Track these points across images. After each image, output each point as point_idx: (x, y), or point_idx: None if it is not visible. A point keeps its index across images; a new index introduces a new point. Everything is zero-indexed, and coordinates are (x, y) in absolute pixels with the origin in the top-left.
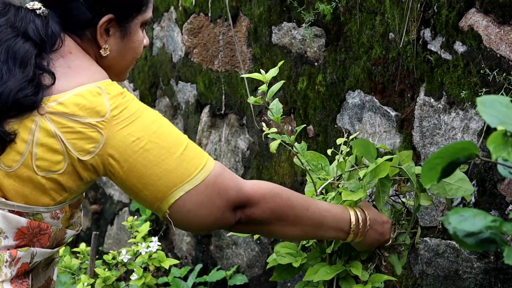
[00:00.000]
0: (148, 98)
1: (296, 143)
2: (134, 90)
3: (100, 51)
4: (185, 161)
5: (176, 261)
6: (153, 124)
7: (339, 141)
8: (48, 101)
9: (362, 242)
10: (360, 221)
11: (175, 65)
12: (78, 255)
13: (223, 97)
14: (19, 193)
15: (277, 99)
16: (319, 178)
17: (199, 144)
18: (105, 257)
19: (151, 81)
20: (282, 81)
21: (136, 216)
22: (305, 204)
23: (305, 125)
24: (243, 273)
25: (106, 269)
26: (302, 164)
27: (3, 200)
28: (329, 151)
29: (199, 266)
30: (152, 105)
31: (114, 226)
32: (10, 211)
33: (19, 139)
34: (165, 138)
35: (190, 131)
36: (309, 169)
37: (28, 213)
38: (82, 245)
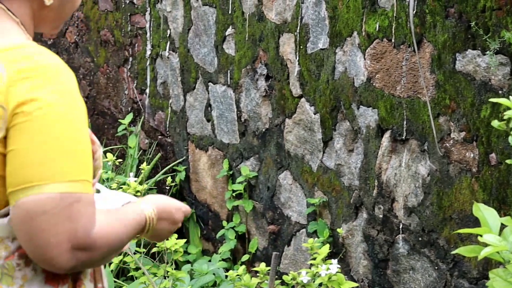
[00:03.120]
0: (329, 121)
1: None
2: (315, 113)
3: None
4: (65, 162)
5: (355, 284)
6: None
7: None
8: None
9: (153, 236)
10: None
11: (357, 90)
12: (257, 274)
13: (405, 122)
14: None
15: None
16: None
17: (379, 169)
18: (284, 277)
19: (332, 105)
20: None
21: (315, 238)
22: (124, 232)
23: None
24: None
25: None
26: None
27: None
28: None
29: None
30: (333, 129)
31: (291, 247)
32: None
33: None
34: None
35: (370, 155)
36: None
37: None
38: (262, 265)
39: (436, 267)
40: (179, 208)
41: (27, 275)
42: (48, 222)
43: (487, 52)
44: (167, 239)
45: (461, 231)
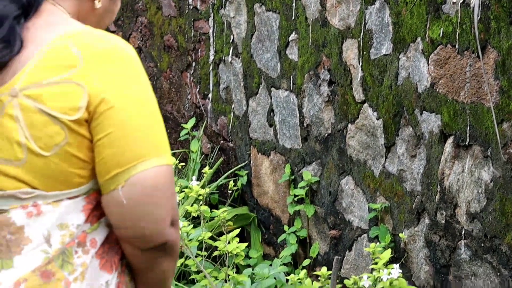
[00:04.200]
0: (392, 127)
1: None
2: (377, 119)
3: (95, 1)
4: (157, 137)
5: None
6: None
7: None
8: (17, 79)
9: None
10: None
11: (420, 95)
12: (319, 278)
13: (468, 128)
14: (54, 184)
15: None
16: None
17: (442, 174)
18: (345, 281)
19: (395, 110)
20: None
21: (376, 243)
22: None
23: None
24: None
25: None
26: None
27: (44, 193)
28: None
29: None
30: (395, 134)
31: (352, 252)
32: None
33: (8, 129)
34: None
35: (433, 161)
36: None
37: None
38: (323, 269)
39: (498, 273)
40: None
41: (86, 262)
42: (163, 196)
43: None
44: None
45: None
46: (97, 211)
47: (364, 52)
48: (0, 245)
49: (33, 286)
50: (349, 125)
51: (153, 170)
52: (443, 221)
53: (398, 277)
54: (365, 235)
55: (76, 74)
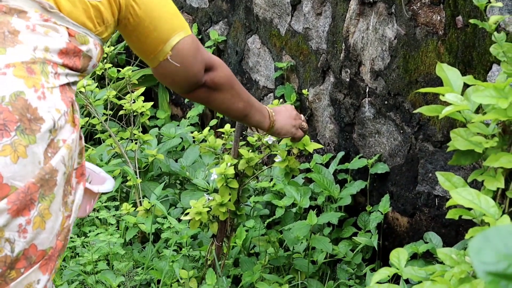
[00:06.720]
0: None
1: (495, 32)
2: None
3: None
4: (178, 14)
5: (320, 146)
6: None
7: None
8: None
9: (279, 128)
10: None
11: None
12: (222, 135)
13: None
14: (71, 14)
15: None
16: None
17: (347, 32)
18: (249, 138)
19: None
20: None
21: (281, 100)
22: (243, 89)
23: None
24: (385, 162)
25: (250, 151)
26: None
27: (65, 16)
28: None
29: (341, 154)
30: None
31: None
32: (66, 27)
33: None
34: None
35: (338, 18)
36: (504, 60)
37: (80, 33)
38: (227, 126)
39: (401, 131)
40: (293, 108)
41: (55, 84)
42: (193, 56)
43: None
44: (295, 139)
45: (422, 90)
46: (68, 60)
47: None
48: None
49: (19, 74)
50: None
51: (184, 39)
52: (348, 79)
53: None
54: (272, 94)
55: None
